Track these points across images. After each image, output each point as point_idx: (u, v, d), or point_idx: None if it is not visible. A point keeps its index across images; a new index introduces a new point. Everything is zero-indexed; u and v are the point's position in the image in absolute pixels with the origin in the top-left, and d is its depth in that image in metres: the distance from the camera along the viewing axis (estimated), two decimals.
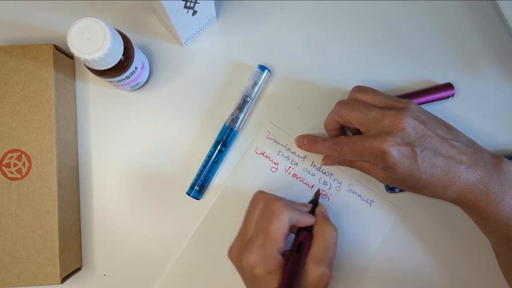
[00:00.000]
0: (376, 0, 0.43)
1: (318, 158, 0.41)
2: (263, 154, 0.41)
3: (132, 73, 0.36)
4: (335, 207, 0.41)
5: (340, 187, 0.41)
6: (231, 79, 0.42)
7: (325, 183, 0.41)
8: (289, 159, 0.41)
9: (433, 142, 0.33)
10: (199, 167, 0.41)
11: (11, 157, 0.37)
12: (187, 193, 0.40)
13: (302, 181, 0.41)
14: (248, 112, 0.41)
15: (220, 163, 0.41)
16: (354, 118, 0.35)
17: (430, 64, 0.42)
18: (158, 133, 0.41)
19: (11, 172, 0.36)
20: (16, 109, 0.37)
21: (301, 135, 0.41)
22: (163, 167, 0.41)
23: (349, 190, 0.41)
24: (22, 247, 0.36)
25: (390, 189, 0.41)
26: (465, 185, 0.33)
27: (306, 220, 0.33)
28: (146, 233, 0.41)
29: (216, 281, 0.40)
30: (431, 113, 0.36)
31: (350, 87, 0.38)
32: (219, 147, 0.40)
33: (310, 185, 0.41)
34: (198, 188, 0.40)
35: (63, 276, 0.36)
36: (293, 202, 0.36)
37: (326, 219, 0.35)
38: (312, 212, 0.36)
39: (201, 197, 0.40)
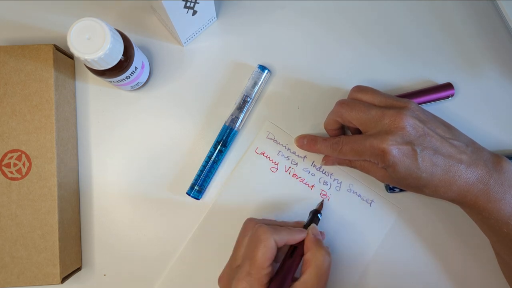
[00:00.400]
0: (376, 0, 0.43)
1: (318, 158, 0.41)
2: (263, 154, 0.41)
3: (132, 73, 0.36)
4: (335, 207, 0.41)
5: (340, 187, 0.41)
6: (231, 79, 0.42)
7: (325, 183, 0.41)
8: (289, 159, 0.41)
9: (433, 141, 0.33)
10: (199, 167, 0.41)
11: (11, 157, 0.36)
12: (187, 193, 0.40)
13: (302, 181, 0.41)
14: (248, 112, 0.41)
15: (220, 163, 0.41)
16: (354, 117, 0.35)
17: (430, 64, 0.42)
18: (158, 133, 0.41)
19: (11, 172, 0.36)
20: (16, 109, 0.37)
21: (301, 135, 0.41)
22: (163, 167, 0.41)
23: (349, 190, 0.41)
24: (22, 247, 0.36)
25: (390, 189, 0.41)
26: (465, 184, 0.33)
27: (297, 237, 0.34)
28: (146, 233, 0.41)
29: (216, 281, 0.40)
30: (431, 113, 0.36)
31: (350, 87, 0.38)
32: (219, 147, 0.40)
33: (310, 185, 0.41)
34: (198, 188, 0.40)
35: (63, 276, 0.36)
36: (283, 222, 0.37)
37: (318, 243, 0.33)
38: (308, 223, 0.37)
39: (201, 197, 0.40)
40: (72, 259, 0.38)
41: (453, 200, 0.35)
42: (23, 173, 0.36)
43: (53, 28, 0.42)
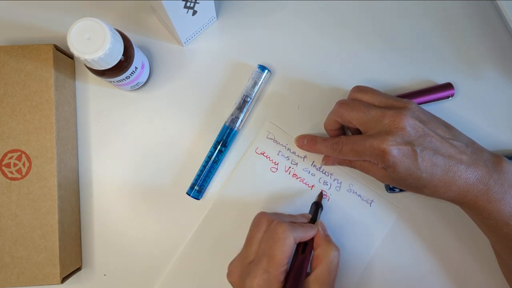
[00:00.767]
0: (376, 0, 0.43)
1: (318, 158, 0.41)
2: (263, 154, 0.41)
3: (132, 73, 0.36)
4: (335, 207, 0.41)
5: (340, 187, 0.41)
6: (231, 79, 0.42)
7: (325, 183, 0.41)
8: (289, 159, 0.41)
9: (433, 142, 0.33)
10: (199, 167, 0.41)
11: (11, 157, 0.37)
12: (187, 193, 0.40)
13: (302, 181, 0.41)
14: (248, 112, 0.41)
15: (220, 163, 0.41)
16: (354, 118, 0.35)
17: (430, 64, 0.42)
18: (158, 133, 0.41)
19: (11, 172, 0.36)
20: (16, 109, 0.37)
21: (301, 135, 0.41)
22: (163, 167, 0.41)
23: (349, 190, 0.41)
24: (22, 247, 0.36)
25: (390, 189, 0.41)
26: (465, 185, 0.33)
27: (310, 234, 0.34)
28: (146, 233, 0.41)
29: (216, 281, 0.40)
30: (431, 113, 0.36)
31: (350, 87, 0.38)
32: (219, 147, 0.40)
33: (310, 185, 0.41)
34: (198, 188, 0.40)
35: (63, 276, 0.36)
36: (293, 216, 0.36)
37: (328, 239, 0.34)
38: (314, 216, 0.37)
39: (201, 197, 0.40)
40: (72, 259, 0.38)
41: (453, 200, 0.35)
42: (23, 173, 0.36)
43: (53, 28, 0.42)
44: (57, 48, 0.39)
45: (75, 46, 0.30)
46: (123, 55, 0.33)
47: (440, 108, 0.41)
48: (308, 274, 0.33)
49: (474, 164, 0.33)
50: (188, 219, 0.41)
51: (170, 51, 0.42)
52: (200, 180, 0.40)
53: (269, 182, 0.41)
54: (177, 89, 0.42)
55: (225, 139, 0.40)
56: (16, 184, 0.36)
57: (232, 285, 0.34)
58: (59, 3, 0.42)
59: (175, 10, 0.35)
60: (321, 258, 0.33)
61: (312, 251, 0.34)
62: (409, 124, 0.33)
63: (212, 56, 0.42)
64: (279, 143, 0.41)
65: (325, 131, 0.41)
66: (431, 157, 0.33)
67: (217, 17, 0.42)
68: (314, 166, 0.41)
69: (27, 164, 0.37)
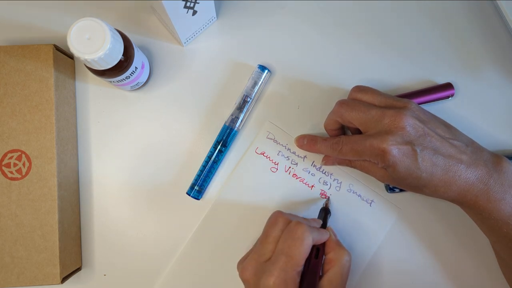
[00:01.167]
0: (376, 0, 0.43)
1: (318, 158, 0.41)
2: (263, 154, 0.41)
3: (132, 73, 0.36)
4: (335, 207, 0.41)
5: (340, 187, 0.41)
6: (231, 79, 0.42)
7: (325, 183, 0.41)
8: (289, 159, 0.41)
9: (433, 141, 0.33)
10: (199, 167, 0.41)
11: (11, 157, 0.36)
12: (187, 193, 0.40)
13: (302, 181, 0.41)
14: (248, 112, 0.41)
15: (220, 163, 0.41)
16: (354, 117, 0.35)
17: (430, 64, 0.42)
18: (158, 133, 0.41)
19: (11, 172, 0.36)
20: (16, 109, 0.37)
21: (301, 135, 0.41)
22: (163, 167, 0.41)
23: (349, 190, 0.41)
24: (22, 247, 0.36)
25: (390, 189, 0.41)
26: (465, 184, 0.33)
27: (324, 237, 0.34)
28: (146, 233, 0.41)
29: (216, 281, 0.40)
30: (430, 113, 0.36)
31: (350, 87, 0.38)
32: (219, 147, 0.40)
33: (310, 185, 0.41)
34: (198, 188, 0.40)
35: (63, 276, 0.36)
36: (307, 220, 0.36)
37: (339, 243, 0.35)
38: (324, 222, 0.37)
39: (201, 197, 0.40)
40: (72, 259, 0.38)
41: (453, 200, 0.35)
42: (23, 173, 0.36)
43: (53, 28, 0.42)
44: (57, 48, 0.39)
45: (75, 46, 0.30)
46: (123, 55, 0.33)
47: (440, 108, 0.41)
48: (320, 278, 0.33)
49: (474, 163, 0.33)
50: (188, 219, 0.41)
51: (170, 51, 0.42)
52: (200, 180, 0.40)
53: (269, 182, 0.41)
54: (177, 89, 0.42)
55: (225, 139, 0.40)
56: (16, 184, 0.36)
57: (245, 282, 0.33)
58: (59, 3, 0.42)
59: (175, 10, 0.35)
60: (334, 262, 0.33)
61: (324, 256, 0.34)
62: (409, 123, 0.33)
63: (212, 56, 0.42)
64: (279, 143, 0.41)
65: (325, 131, 0.41)
66: (431, 156, 0.33)
67: (217, 17, 0.42)
68: (314, 166, 0.41)
69: (27, 164, 0.37)
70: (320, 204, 0.41)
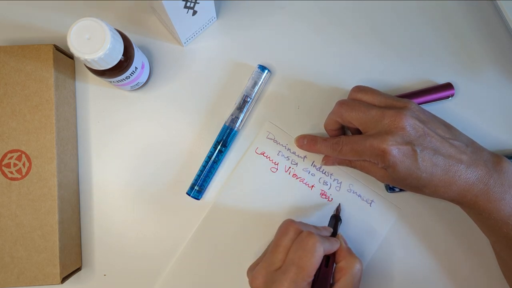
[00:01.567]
0: (376, 0, 0.43)
1: (318, 158, 0.41)
2: (263, 154, 0.41)
3: (132, 73, 0.36)
4: (335, 207, 0.41)
5: (340, 187, 0.41)
6: (231, 79, 0.42)
7: (325, 183, 0.41)
8: (289, 159, 0.41)
9: (433, 142, 0.33)
10: (199, 167, 0.41)
11: (11, 157, 0.36)
12: (187, 193, 0.40)
13: (302, 181, 0.41)
14: (248, 112, 0.41)
15: (220, 163, 0.41)
16: (354, 118, 0.35)
17: (430, 64, 0.42)
18: (158, 133, 0.41)
19: (11, 172, 0.36)
20: (16, 109, 0.37)
21: (301, 135, 0.41)
22: (163, 167, 0.41)
23: (349, 190, 0.41)
24: (22, 247, 0.36)
25: (390, 189, 0.41)
26: (465, 184, 0.33)
27: (335, 247, 0.34)
28: (146, 233, 0.41)
29: (216, 281, 0.40)
30: (430, 113, 0.36)
31: (350, 87, 0.38)
32: (219, 147, 0.40)
33: (310, 185, 0.41)
34: (198, 188, 0.40)
35: (63, 276, 0.36)
36: (318, 228, 0.36)
37: (350, 251, 0.35)
38: (335, 230, 0.37)
39: (201, 197, 0.40)
40: (72, 259, 0.38)
41: (453, 200, 0.35)
42: (23, 173, 0.36)
43: (53, 28, 0.42)
44: (57, 48, 0.39)
45: (75, 46, 0.30)
46: (123, 55, 0.33)
47: (440, 108, 0.41)
48: (331, 286, 0.33)
49: (474, 164, 0.33)
50: (188, 219, 0.41)
51: (170, 51, 0.42)
52: (200, 180, 0.40)
53: (269, 182, 0.41)
54: (177, 89, 0.42)
55: (225, 139, 0.40)
56: (16, 184, 0.36)
57: None
58: (59, 3, 0.42)
59: (175, 10, 0.35)
60: (345, 271, 0.33)
61: (334, 264, 0.34)
62: (409, 124, 0.33)
63: (212, 56, 0.42)
64: (279, 143, 0.41)
65: (325, 131, 0.41)
66: (431, 157, 0.33)
67: (217, 17, 0.42)
68: (314, 166, 0.41)
69: (27, 164, 0.37)
70: (320, 204, 0.41)
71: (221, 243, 0.40)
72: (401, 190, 0.40)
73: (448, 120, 0.37)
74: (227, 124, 0.40)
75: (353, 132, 0.40)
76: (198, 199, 0.40)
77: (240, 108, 0.40)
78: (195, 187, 0.40)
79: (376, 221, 0.41)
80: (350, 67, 0.42)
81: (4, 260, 0.36)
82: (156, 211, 0.41)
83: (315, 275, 0.32)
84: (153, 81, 0.42)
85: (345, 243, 0.35)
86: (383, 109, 0.34)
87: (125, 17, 0.42)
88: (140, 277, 0.40)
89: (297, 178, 0.41)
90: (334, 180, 0.41)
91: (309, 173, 0.41)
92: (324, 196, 0.41)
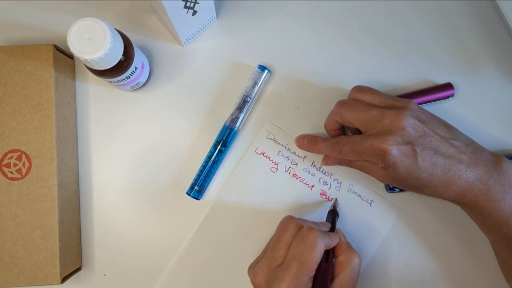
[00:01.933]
0: (375, 0, 0.43)
1: (318, 158, 0.41)
2: (263, 154, 0.41)
3: (132, 73, 0.36)
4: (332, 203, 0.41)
5: (340, 187, 0.41)
6: (231, 79, 0.42)
7: (325, 183, 0.41)
8: (289, 159, 0.41)
9: (433, 141, 0.33)
10: (199, 167, 0.41)
11: (11, 157, 0.36)
12: (187, 193, 0.40)
13: (302, 181, 0.41)
14: (248, 112, 0.41)
15: (220, 163, 0.41)
16: (354, 118, 0.35)
17: (430, 64, 0.42)
18: (158, 133, 0.41)
19: (11, 172, 0.36)
20: (16, 109, 0.37)
21: (301, 135, 0.41)
22: (163, 167, 0.41)
23: (349, 190, 0.41)
24: (22, 247, 0.36)
25: (390, 189, 0.41)
26: (465, 184, 0.33)
27: (335, 242, 0.34)
28: (146, 233, 0.41)
29: (216, 281, 0.40)
30: (430, 113, 0.36)
31: (350, 87, 0.38)
32: (219, 147, 0.40)
33: (310, 185, 0.41)
34: (198, 188, 0.40)
35: (63, 276, 0.36)
36: (317, 224, 0.36)
37: (349, 246, 0.35)
38: (333, 225, 0.37)
39: (201, 197, 0.40)
40: (72, 259, 0.38)
41: (453, 200, 0.35)
42: (23, 173, 0.36)
43: (53, 28, 0.42)
44: (57, 48, 0.39)
45: (75, 46, 0.30)
46: (123, 55, 0.33)
47: (440, 108, 0.41)
48: (331, 280, 0.33)
49: (474, 163, 0.33)
50: (188, 219, 0.41)
51: (170, 51, 0.42)
52: (200, 180, 0.40)
53: (269, 182, 0.41)
54: (177, 89, 0.42)
55: (225, 139, 0.40)
56: (16, 184, 0.36)
57: (257, 287, 0.33)
58: (59, 3, 0.42)
59: (175, 10, 0.35)
60: (345, 265, 0.33)
61: (334, 259, 0.34)
62: (409, 123, 0.33)
63: (212, 56, 0.42)
64: (279, 143, 0.41)
65: (325, 131, 0.41)
66: (431, 156, 0.33)
67: (217, 17, 0.42)
68: (314, 166, 0.41)
69: (27, 164, 0.37)
70: (320, 203, 0.41)
71: (221, 243, 0.40)
72: (401, 190, 0.40)
73: (448, 120, 0.37)
74: (227, 124, 0.40)
75: (353, 132, 0.40)
76: (198, 199, 0.40)
77: (240, 108, 0.40)
78: (195, 187, 0.40)
79: (376, 221, 0.41)
80: (350, 67, 0.42)
81: (4, 260, 0.36)
82: (156, 211, 0.41)
83: (315, 270, 0.32)
84: (153, 81, 0.42)
85: (344, 237, 0.36)
86: (383, 109, 0.34)
87: (125, 17, 0.42)
88: (140, 277, 0.40)
89: (297, 178, 0.41)
90: (334, 180, 0.41)
91: (309, 173, 0.41)
92: (324, 196, 0.41)
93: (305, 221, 0.35)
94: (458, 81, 0.42)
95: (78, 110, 0.42)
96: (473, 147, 0.35)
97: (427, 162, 0.33)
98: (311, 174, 0.41)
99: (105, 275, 0.40)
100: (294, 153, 0.41)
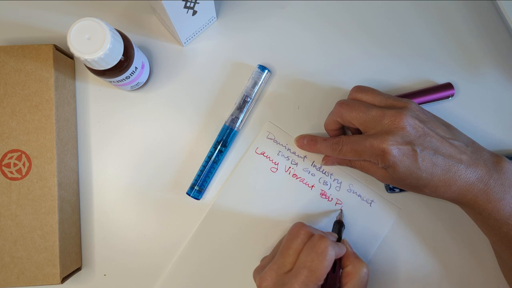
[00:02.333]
0: (376, 0, 0.43)
1: (318, 158, 0.41)
2: (263, 154, 0.41)
3: (132, 73, 0.36)
4: (336, 207, 0.41)
5: (340, 187, 0.41)
6: (231, 79, 0.42)
7: (325, 183, 0.41)
8: (289, 159, 0.41)
9: (433, 141, 0.33)
10: (199, 167, 0.41)
11: (11, 157, 0.37)
12: (187, 193, 0.40)
13: (302, 181, 0.41)
14: (248, 112, 0.41)
15: (220, 163, 0.41)
16: (354, 118, 0.35)
17: (430, 64, 0.42)
18: (158, 133, 0.41)
19: (11, 172, 0.36)
20: (16, 109, 0.37)
21: (301, 135, 0.41)
22: (163, 167, 0.41)
23: (349, 190, 0.41)
24: (22, 247, 0.36)
25: (390, 189, 0.41)
26: (465, 184, 0.33)
27: (343, 251, 0.34)
28: (146, 233, 0.41)
29: (216, 281, 0.40)
30: (431, 113, 0.36)
31: (350, 87, 0.38)
32: (219, 147, 0.40)
33: (310, 185, 0.41)
34: (198, 188, 0.40)
35: (63, 276, 0.36)
36: (325, 233, 0.36)
37: (356, 256, 0.35)
38: (339, 235, 0.37)
39: (201, 197, 0.40)
40: (72, 259, 0.38)
41: (453, 200, 0.35)
42: (23, 173, 0.36)
43: (53, 28, 0.42)
44: (57, 48, 0.39)
45: (75, 46, 0.30)
46: (123, 55, 0.33)
47: (440, 108, 0.41)
48: None
49: (474, 163, 0.33)
50: (188, 219, 0.41)
51: (170, 51, 0.42)
52: (200, 180, 0.40)
53: (269, 182, 0.41)
54: (177, 89, 0.42)
55: (225, 139, 0.40)
56: (16, 184, 0.36)
57: None
58: (59, 3, 0.42)
59: (175, 10, 0.35)
60: (353, 275, 0.33)
61: (341, 269, 0.34)
62: (409, 123, 0.33)
63: (212, 56, 0.42)
64: (279, 143, 0.41)
65: (325, 131, 0.41)
66: (431, 156, 0.33)
67: (217, 17, 0.42)
68: (314, 166, 0.41)
69: (27, 164, 0.37)
70: (320, 204, 0.41)
71: (221, 243, 0.40)
72: (401, 190, 0.40)
73: (448, 120, 0.37)
74: (227, 124, 0.40)
75: (353, 132, 0.40)
76: (198, 199, 0.40)
77: (240, 108, 0.40)
78: (195, 187, 0.40)
79: (376, 221, 0.41)
80: (350, 67, 0.42)
81: (4, 260, 0.36)
82: (156, 211, 0.41)
83: (325, 281, 0.32)
84: (153, 81, 0.42)
85: (350, 247, 0.35)
86: (383, 109, 0.34)
87: (125, 17, 0.42)
88: (140, 277, 0.40)
89: (297, 178, 0.41)
90: (334, 180, 0.41)
91: (309, 173, 0.41)
92: (324, 196, 0.41)
93: (315, 229, 0.35)
94: (458, 81, 0.42)
95: (78, 110, 0.42)
96: (473, 147, 0.35)
97: (427, 162, 0.33)
98: (311, 174, 0.41)
99: (105, 275, 0.40)
100: (294, 153, 0.41)
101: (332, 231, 0.38)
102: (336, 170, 0.41)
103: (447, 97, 0.41)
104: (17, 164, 0.36)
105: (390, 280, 0.40)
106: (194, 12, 0.37)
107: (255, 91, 0.41)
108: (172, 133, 0.41)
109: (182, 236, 0.41)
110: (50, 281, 0.36)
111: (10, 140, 0.37)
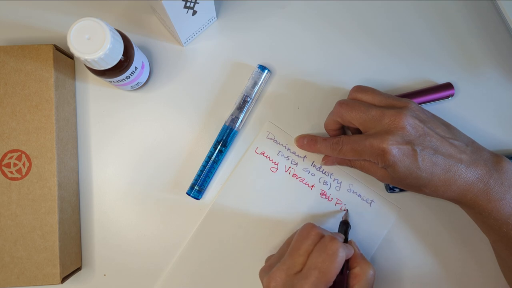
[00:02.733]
0: (376, 0, 0.43)
1: (318, 158, 0.41)
2: (263, 154, 0.41)
3: (132, 73, 0.36)
4: (335, 207, 0.41)
5: (340, 187, 0.41)
6: (231, 79, 0.42)
7: (325, 183, 0.41)
8: (289, 159, 0.41)
9: (433, 141, 0.33)
10: (199, 167, 0.41)
11: (11, 157, 0.37)
12: (187, 193, 0.40)
13: (302, 181, 0.41)
14: (248, 112, 0.41)
15: (220, 163, 0.41)
16: (354, 117, 0.35)
17: (430, 64, 0.42)
18: (158, 133, 0.41)
19: (11, 172, 0.36)
20: (16, 109, 0.37)
21: (301, 135, 0.41)
22: (163, 167, 0.41)
23: (349, 190, 0.41)
24: (22, 247, 0.36)
25: (390, 189, 0.41)
26: (465, 184, 0.33)
27: (351, 253, 0.34)
28: (146, 233, 0.41)
29: (216, 281, 0.40)
30: (431, 113, 0.36)
31: (350, 87, 0.38)
32: (219, 147, 0.40)
33: (310, 185, 0.41)
34: (198, 188, 0.40)
35: (63, 276, 0.36)
36: (332, 234, 0.35)
37: (363, 257, 0.35)
38: (345, 235, 0.37)
39: (201, 197, 0.40)
40: (72, 259, 0.38)
41: (453, 200, 0.35)
42: (23, 173, 0.36)
43: (53, 28, 0.42)
44: (57, 48, 0.39)
45: (75, 46, 0.30)
46: (123, 55, 0.33)
47: (440, 108, 0.41)
48: None
49: (474, 163, 0.33)
50: (188, 219, 0.41)
51: (170, 51, 0.42)
52: (200, 180, 0.40)
53: (269, 182, 0.41)
54: (177, 89, 0.42)
55: (225, 139, 0.40)
56: (16, 184, 0.36)
57: None
58: (59, 3, 0.42)
59: (175, 10, 0.35)
60: (360, 277, 0.33)
61: (348, 271, 0.34)
62: (409, 123, 0.33)
63: (212, 56, 0.42)
64: (279, 143, 0.41)
65: (325, 131, 0.41)
66: (431, 156, 0.33)
67: (217, 17, 0.42)
68: (314, 166, 0.41)
69: (27, 164, 0.37)
70: (320, 204, 0.41)
71: (221, 243, 0.40)
72: (401, 190, 0.40)
73: (448, 120, 0.37)
74: (227, 124, 0.40)
75: (353, 132, 0.40)
76: (198, 199, 0.40)
77: (240, 108, 0.40)
78: (195, 187, 0.40)
79: (376, 221, 0.41)
80: (350, 67, 0.42)
81: (4, 260, 0.36)
82: (156, 211, 0.41)
83: (334, 282, 0.32)
84: (153, 81, 0.42)
85: (358, 248, 0.35)
86: (383, 109, 0.34)
87: (125, 17, 0.42)
88: (140, 277, 0.40)
89: (297, 178, 0.41)
90: (334, 180, 0.41)
91: (309, 173, 0.41)
92: (324, 196, 0.41)
93: (325, 230, 0.35)
94: (458, 81, 0.42)
95: (78, 110, 0.42)
96: (473, 146, 0.35)
97: (427, 162, 0.33)
98: (311, 174, 0.41)
99: (105, 275, 0.40)
100: (294, 153, 0.41)
101: (338, 231, 0.38)
102: (336, 170, 0.41)
103: (447, 97, 0.41)
104: (17, 164, 0.36)
105: (390, 280, 0.40)
106: (194, 12, 0.37)
107: (255, 91, 0.41)
108: (172, 133, 0.41)
109: (182, 236, 0.41)
110: (50, 281, 0.36)
111: (10, 140, 0.37)
